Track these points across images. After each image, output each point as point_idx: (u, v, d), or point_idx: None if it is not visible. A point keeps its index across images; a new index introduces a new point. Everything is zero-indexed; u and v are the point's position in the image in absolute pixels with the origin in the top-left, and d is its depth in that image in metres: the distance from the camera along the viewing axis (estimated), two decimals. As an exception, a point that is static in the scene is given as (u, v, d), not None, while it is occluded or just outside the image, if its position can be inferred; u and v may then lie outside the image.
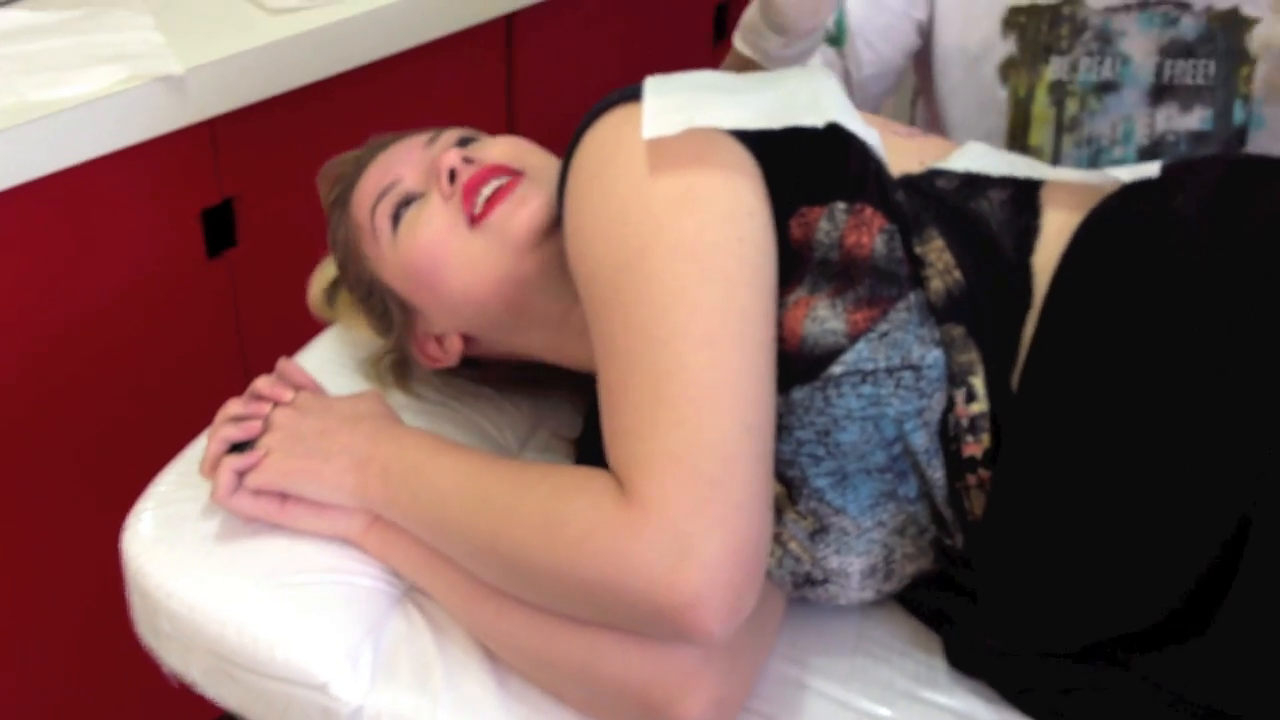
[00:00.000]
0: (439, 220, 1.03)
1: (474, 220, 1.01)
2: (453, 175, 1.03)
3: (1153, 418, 0.82)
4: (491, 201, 1.01)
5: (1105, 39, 1.27)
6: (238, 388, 1.59)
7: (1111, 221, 0.90)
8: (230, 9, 1.49)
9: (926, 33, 1.38)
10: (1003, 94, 1.32)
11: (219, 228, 1.51)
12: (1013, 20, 1.30)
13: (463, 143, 1.09)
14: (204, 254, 1.51)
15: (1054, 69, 1.29)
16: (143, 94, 1.33)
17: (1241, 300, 0.82)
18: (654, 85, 0.92)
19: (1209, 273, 0.84)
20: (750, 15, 1.17)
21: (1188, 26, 1.24)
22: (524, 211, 1.00)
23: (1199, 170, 0.94)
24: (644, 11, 1.92)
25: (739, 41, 1.17)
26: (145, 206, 1.43)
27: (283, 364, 1.08)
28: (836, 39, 1.26)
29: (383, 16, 1.53)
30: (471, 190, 1.01)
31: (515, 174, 1.03)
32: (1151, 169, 0.93)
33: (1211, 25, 1.23)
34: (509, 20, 1.72)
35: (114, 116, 1.32)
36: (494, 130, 1.74)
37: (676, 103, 0.89)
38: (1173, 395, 0.82)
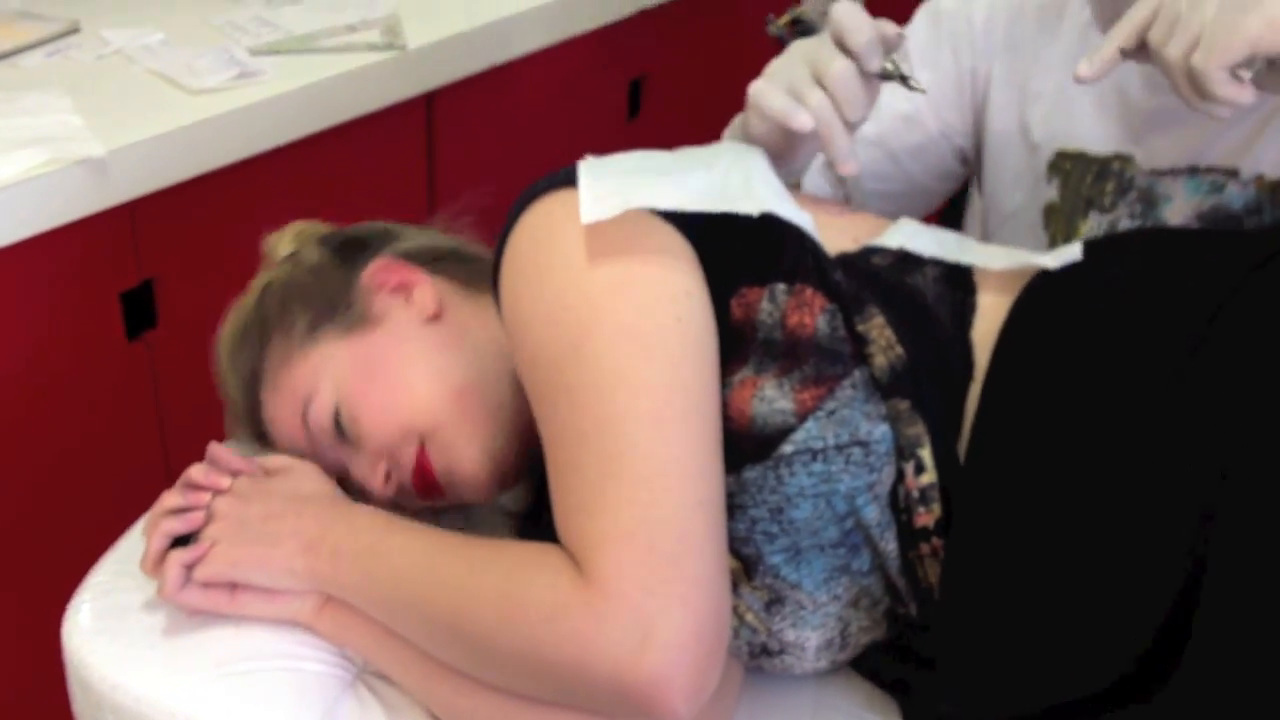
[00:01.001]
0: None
1: (426, 495, 1.02)
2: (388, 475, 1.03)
3: (1095, 483, 0.85)
4: (427, 484, 1.01)
5: (1150, 202, 1.19)
6: (158, 470, 1.57)
7: (1047, 295, 0.93)
8: (149, 90, 1.48)
9: (972, 160, 1.34)
10: (1044, 237, 1.27)
11: (138, 309, 1.50)
12: (1058, 165, 1.24)
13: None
14: (123, 336, 1.49)
15: (1091, 225, 1.22)
16: (64, 177, 1.32)
17: (1174, 366, 0.85)
18: (588, 169, 0.93)
19: (1142, 340, 0.88)
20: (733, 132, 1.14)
21: (1233, 195, 1.15)
22: (465, 468, 1.01)
23: (1125, 243, 0.98)
24: (561, 88, 1.94)
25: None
26: (64, 288, 1.41)
27: (214, 449, 1.05)
28: None
29: (302, 97, 1.54)
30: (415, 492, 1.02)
31: (415, 452, 1.01)
32: (1075, 251, 0.96)
33: (1260, 195, 1.15)
34: (429, 99, 1.73)
35: (34, 200, 1.31)
36: (417, 205, 1.76)
37: (611, 186, 0.91)
38: (1113, 460, 0.85)
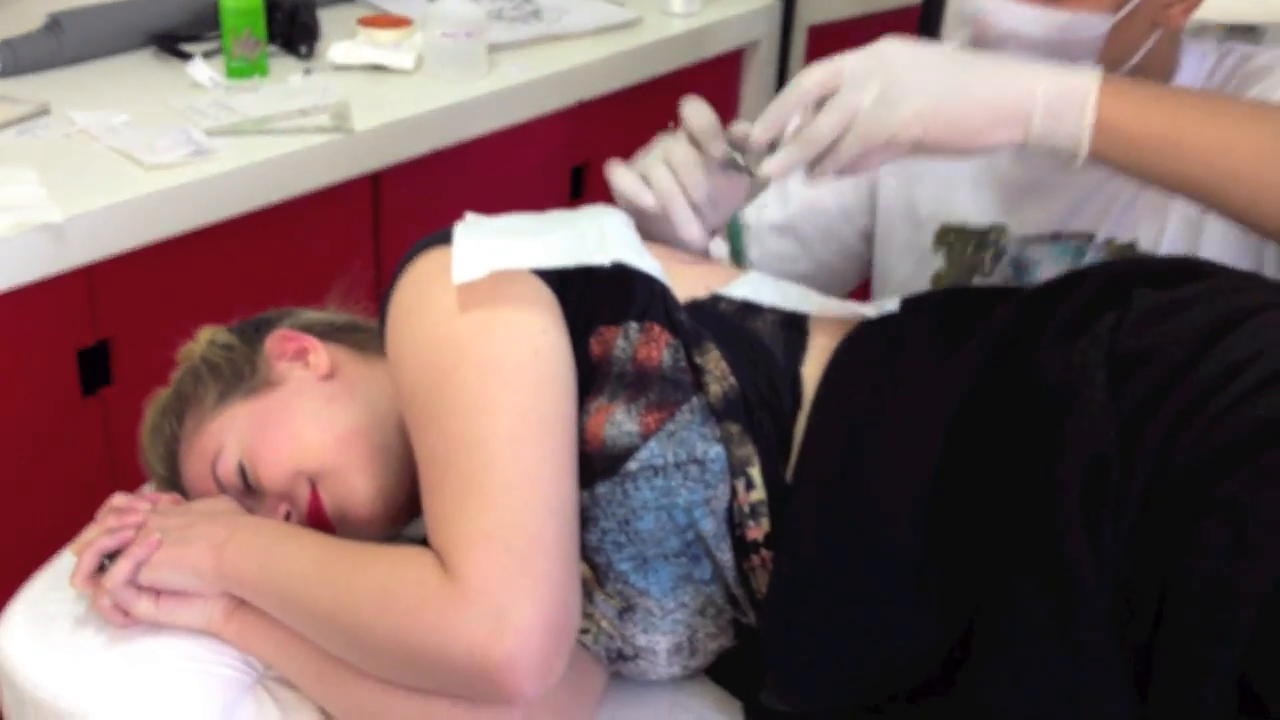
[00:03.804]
0: None
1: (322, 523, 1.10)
2: (287, 515, 1.12)
3: (900, 505, 0.96)
4: (319, 522, 1.10)
5: (1021, 267, 1.31)
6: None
7: (864, 341, 1.06)
8: (109, 164, 1.61)
9: (871, 240, 1.44)
10: None
11: (95, 367, 1.61)
12: (943, 237, 1.36)
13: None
14: (79, 392, 1.60)
15: None
16: (24, 241, 1.44)
17: (962, 402, 0.97)
18: (463, 230, 1.06)
19: (937, 381, 0.99)
20: None
21: (1090, 259, 1.27)
22: (354, 504, 1.10)
23: (934, 299, 1.10)
24: (505, 172, 2.07)
25: None
26: (23, 346, 1.52)
27: (142, 490, 1.19)
28: (737, 255, 1.36)
29: (252, 173, 1.67)
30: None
31: (309, 495, 1.10)
32: (892, 304, 1.09)
33: (1111, 258, 1.25)
34: (375, 179, 1.86)
35: (-3, 262, 1.43)
36: (365, 275, 1.88)
37: (482, 248, 1.03)
38: (913, 484, 0.96)
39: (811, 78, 1.04)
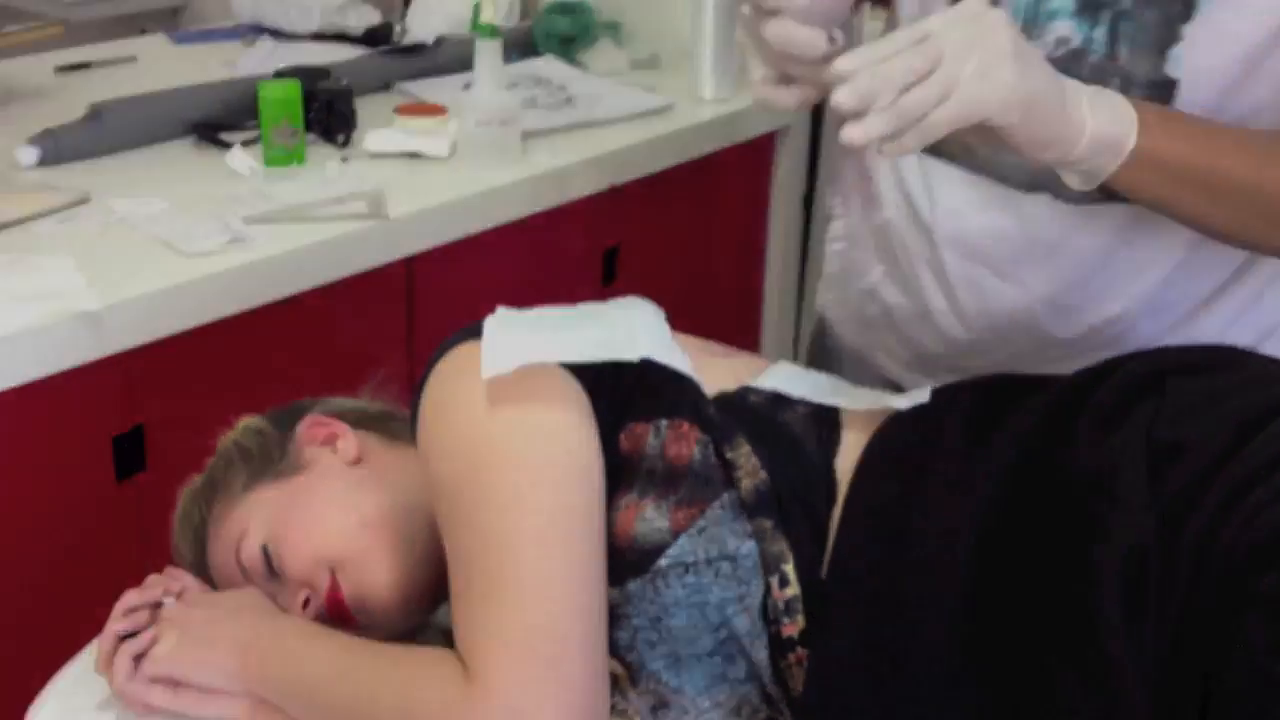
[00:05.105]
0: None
1: (339, 622, 1.10)
2: (306, 601, 1.12)
3: (936, 601, 0.95)
4: (338, 610, 1.10)
5: None
6: (141, 606, 1.67)
7: (896, 433, 1.05)
8: (147, 252, 1.63)
9: None
10: None
11: (129, 453, 1.62)
12: None
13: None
14: (113, 478, 1.61)
15: None
16: (62, 328, 1.46)
17: (996, 495, 0.97)
18: (493, 325, 1.06)
19: (970, 474, 0.99)
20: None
21: None
22: (373, 593, 1.09)
23: (966, 389, 1.10)
24: (537, 255, 2.09)
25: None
26: (59, 432, 1.53)
27: (170, 569, 1.19)
28: None
29: (289, 260, 1.68)
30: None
31: (329, 583, 1.10)
32: (923, 395, 1.09)
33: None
34: (409, 264, 1.87)
35: (35, 349, 1.44)
36: (398, 359, 1.89)
37: (511, 343, 1.03)
38: (949, 579, 0.95)
39: (906, 63, 0.90)
